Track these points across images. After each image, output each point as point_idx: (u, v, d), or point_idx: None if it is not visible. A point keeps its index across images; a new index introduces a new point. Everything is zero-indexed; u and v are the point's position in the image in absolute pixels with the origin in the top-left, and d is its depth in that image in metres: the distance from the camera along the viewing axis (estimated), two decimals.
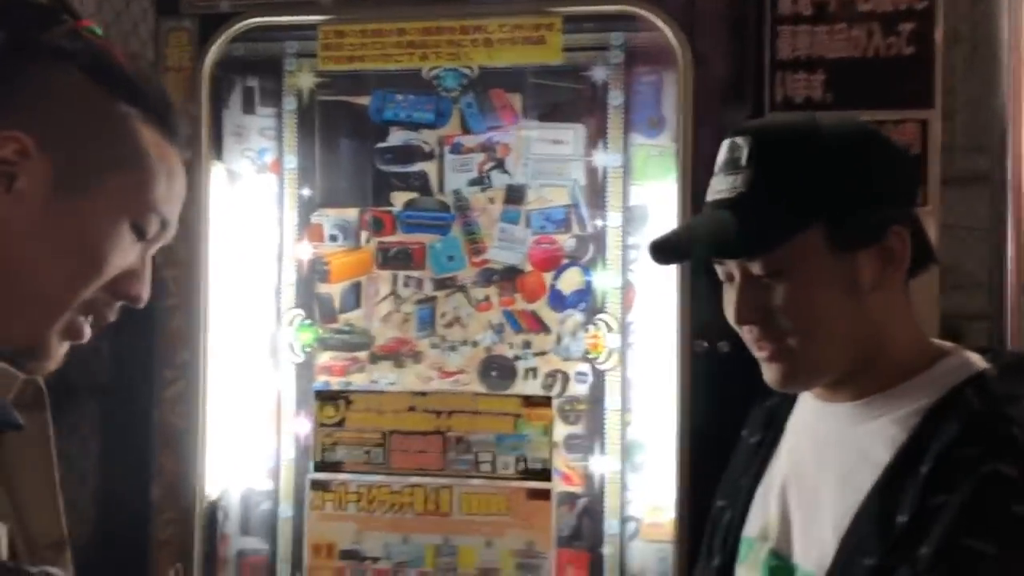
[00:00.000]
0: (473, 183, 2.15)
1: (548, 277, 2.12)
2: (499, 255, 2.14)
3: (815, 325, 0.94)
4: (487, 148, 2.14)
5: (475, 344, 2.15)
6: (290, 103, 2.21)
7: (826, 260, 0.93)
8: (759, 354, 0.99)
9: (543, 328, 2.13)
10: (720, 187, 0.98)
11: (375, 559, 2.06)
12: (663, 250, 1.05)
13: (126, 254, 0.77)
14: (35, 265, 0.73)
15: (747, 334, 0.99)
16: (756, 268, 0.94)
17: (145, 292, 0.80)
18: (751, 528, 1.05)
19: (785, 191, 0.93)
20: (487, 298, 2.15)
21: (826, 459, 0.99)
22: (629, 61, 2.07)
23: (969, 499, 0.84)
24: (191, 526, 2.13)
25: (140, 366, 2.24)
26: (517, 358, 2.13)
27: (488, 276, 2.15)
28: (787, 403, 1.10)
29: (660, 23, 1.95)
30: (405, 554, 2.05)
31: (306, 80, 2.19)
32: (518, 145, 2.13)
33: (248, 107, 2.24)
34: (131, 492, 2.23)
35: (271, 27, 2.15)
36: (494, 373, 2.14)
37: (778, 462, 1.07)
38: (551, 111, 2.14)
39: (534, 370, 2.12)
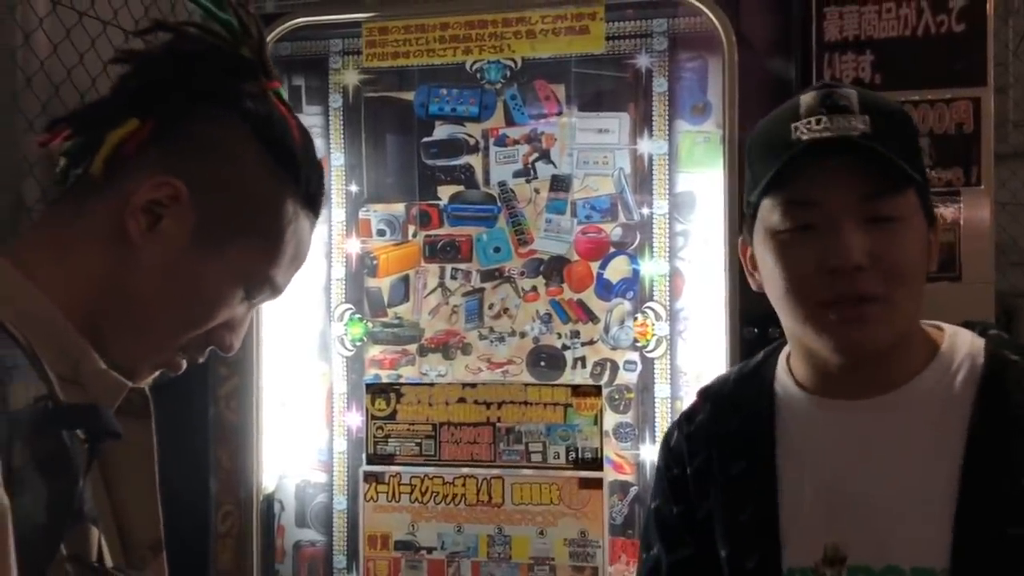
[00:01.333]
0: (518, 174, 2.16)
1: (595, 266, 2.13)
2: (545, 245, 2.15)
3: (915, 279, 0.92)
4: (532, 139, 2.15)
5: (523, 335, 2.16)
6: (336, 100, 2.24)
7: (922, 223, 0.94)
8: (830, 317, 0.91)
9: (591, 317, 2.13)
10: (827, 126, 0.91)
11: (430, 549, 2.09)
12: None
13: (232, 311, 0.80)
14: (151, 303, 0.76)
15: (825, 290, 0.91)
16: (881, 209, 0.90)
17: (237, 343, 0.83)
18: (801, 558, 0.96)
19: (900, 143, 0.93)
20: (534, 288, 2.16)
21: (883, 454, 0.95)
22: (672, 48, 2.06)
23: None
24: (249, 518, 2.18)
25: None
26: (565, 348, 2.14)
27: (535, 266, 2.16)
28: (753, 425, 1.02)
29: (703, 7, 1.95)
30: (459, 544, 2.07)
31: (351, 77, 2.22)
32: (562, 135, 2.13)
33: (295, 106, 2.26)
34: (191, 486, 2.28)
35: (316, 26, 2.18)
36: (543, 363, 2.15)
37: (793, 481, 0.98)
38: (595, 100, 2.14)
39: (583, 359, 2.13)
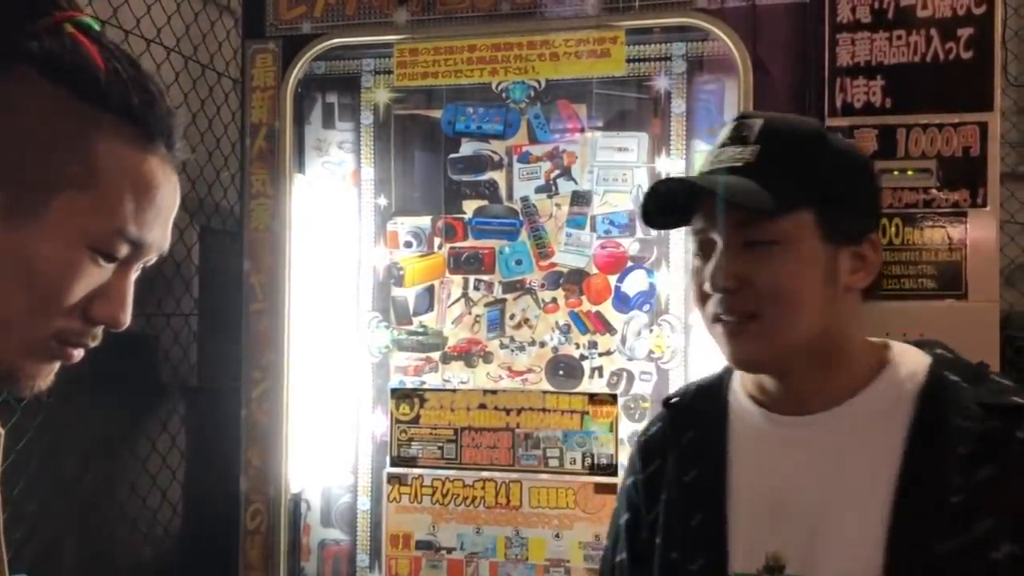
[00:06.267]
0: (540, 190, 2.25)
1: (613, 279, 2.21)
2: (565, 259, 2.23)
3: (791, 298, 0.96)
4: (554, 156, 2.24)
5: (543, 344, 2.24)
6: (367, 117, 2.34)
7: (815, 244, 0.96)
8: (722, 330, 0.99)
9: (608, 329, 2.21)
10: (723, 158, 0.99)
11: (450, 549, 2.16)
12: (660, 206, 1.02)
13: (90, 279, 0.71)
14: None
15: (712, 308, 0.99)
16: (753, 233, 0.96)
17: (121, 314, 0.73)
18: (744, 565, 1.00)
19: (788, 169, 0.96)
20: (554, 300, 2.24)
21: (823, 469, 0.98)
22: (691, 70, 2.15)
23: (1018, 463, 0.90)
24: (277, 517, 2.27)
25: (229, 367, 2.39)
26: (583, 358, 2.22)
27: (555, 279, 2.24)
28: (707, 436, 1.08)
29: (721, 33, 2.02)
30: (478, 545, 2.15)
31: (382, 96, 2.32)
32: (583, 153, 2.22)
33: (328, 122, 2.38)
34: (222, 485, 2.38)
35: (349, 47, 2.28)
36: (561, 372, 2.23)
37: (741, 490, 1.03)
38: (615, 120, 2.23)
39: (600, 369, 2.21)
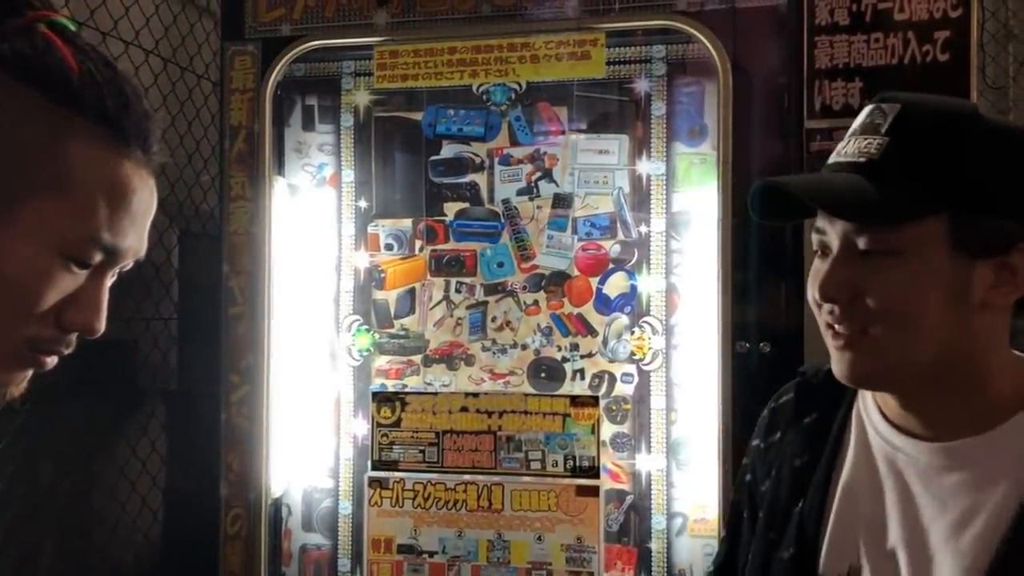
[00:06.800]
0: (522, 192, 2.25)
1: (594, 282, 2.21)
2: (547, 261, 2.23)
3: (907, 316, 0.84)
4: (535, 159, 2.24)
5: (524, 347, 2.24)
6: (347, 120, 2.33)
7: (943, 256, 0.83)
8: (832, 341, 0.89)
9: (590, 331, 2.21)
10: (848, 150, 0.87)
11: (431, 553, 2.16)
12: (773, 199, 0.90)
13: (63, 286, 0.69)
14: None
15: (825, 315, 0.88)
16: (866, 242, 0.84)
17: (95, 322, 0.71)
18: (829, 569, 0.94)
19: (917, 168, 0.83)
20: (536, 302, 2.24)
21: (933, 505, 0.89)
22: (671, 73, 2.15)
23: None
24: (257, 522, 2.25)
25: (209, 371, 2.37)
26: (565, 360, 2.22)
27: (537, 281, 2.24)
28: (827, 425, 1.00)
29: (700, 35, 2.03)
30: (460, 548, 2.14)
31: (362, 98, 2.32)
32: (564, 155, 2.22)
33: (308, 124, 2.37)
34: (202, 489, 2.36)
35: (329, 49, 2.27)
36: (543, 374, 2.23)
37: (848, 497, 0.95)
38: (596, 122, 2.23)
39: (581, 371, 2.21)
